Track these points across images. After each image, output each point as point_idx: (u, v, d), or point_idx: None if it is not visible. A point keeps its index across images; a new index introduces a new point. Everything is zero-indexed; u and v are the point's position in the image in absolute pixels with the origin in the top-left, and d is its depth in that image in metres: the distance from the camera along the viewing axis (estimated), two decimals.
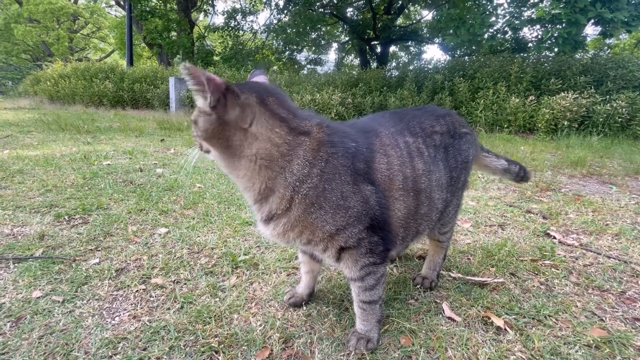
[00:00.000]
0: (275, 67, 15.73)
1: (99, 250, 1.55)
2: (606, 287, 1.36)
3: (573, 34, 6.82)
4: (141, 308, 1.17)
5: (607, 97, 5.94)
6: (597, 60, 6.88)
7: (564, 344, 1.04)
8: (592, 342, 1.04)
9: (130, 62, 12.51)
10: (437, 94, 7.68)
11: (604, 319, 1.17)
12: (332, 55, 19.46)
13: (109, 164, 3.11)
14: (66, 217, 1.88)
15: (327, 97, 8.01)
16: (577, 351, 1.00)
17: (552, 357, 0.98)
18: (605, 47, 11.25)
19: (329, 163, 0.89)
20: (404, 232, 1.02)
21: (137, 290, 1.26)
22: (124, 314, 1.14)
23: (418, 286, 1.33)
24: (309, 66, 17.43)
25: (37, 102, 11.16)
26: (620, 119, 5.60)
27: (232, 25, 14.68)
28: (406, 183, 0.99)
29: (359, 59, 16.98)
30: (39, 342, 1.00)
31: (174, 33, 14.01)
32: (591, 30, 10.05)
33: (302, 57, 17.42)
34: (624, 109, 5.57)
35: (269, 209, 0.91)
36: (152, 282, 1.32)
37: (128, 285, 1.29)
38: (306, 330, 1.08)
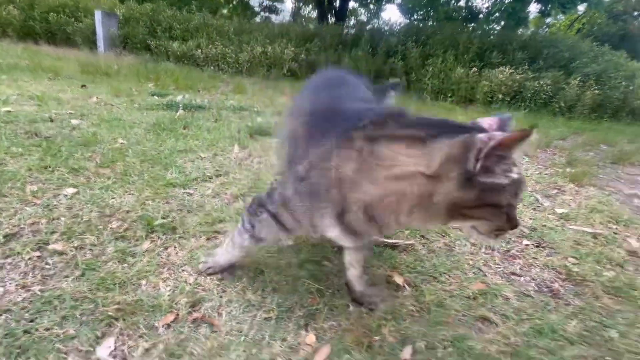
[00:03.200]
0: (224, 11, 14.19)
1: None
2: (496, 246, 1.57)
3: (518, 9, 7.11)
4: (33, 277, 1.07)
5: (538, 74, 6.46)
6: (535, 38, 7.34)
7: (450, 297, 1.19)
8: (471, 294, 1.21)
9: None
10: (391, 58, 7.67)
11: (487, 274, 1.36)
12: (288, 4, 17.94)
13: (8, 111, 2.64)
14: None
15: (280, 51, 7.56)
16: (457, 302, 1.16)
17: (437, 308, 1.13)
18: (544, 26, 11.99)
19: None
20: None
21: (29, 258, 1.14)
22: (10, 284, 1.03)
23: (335, 249, 1.40)
24: (263, 13, 16.03)
25: None
26: (544, 96, 6.18)
27: None
28: None
29: (316, 11, 15.99)
30: None
31: None
32: (534, 8, 10.57)
33: (255, 2, 15.89)
34: (548, 87, 6.13)
35: None
36: (50, 248, 1.20)
37: (18, 252, 1.16)
38: (217, 294, 1.09)
